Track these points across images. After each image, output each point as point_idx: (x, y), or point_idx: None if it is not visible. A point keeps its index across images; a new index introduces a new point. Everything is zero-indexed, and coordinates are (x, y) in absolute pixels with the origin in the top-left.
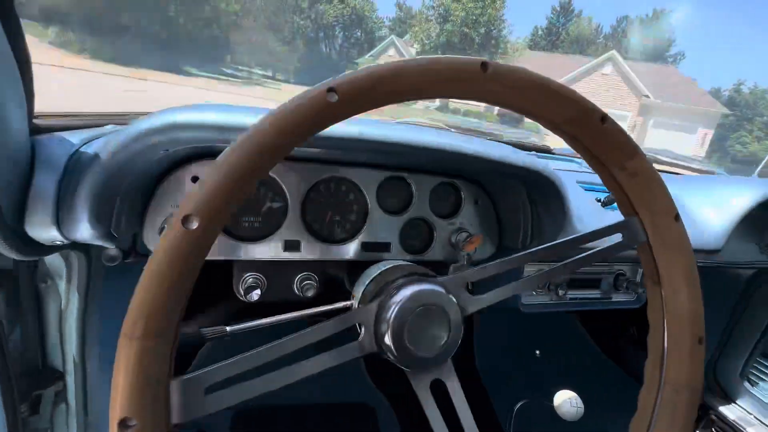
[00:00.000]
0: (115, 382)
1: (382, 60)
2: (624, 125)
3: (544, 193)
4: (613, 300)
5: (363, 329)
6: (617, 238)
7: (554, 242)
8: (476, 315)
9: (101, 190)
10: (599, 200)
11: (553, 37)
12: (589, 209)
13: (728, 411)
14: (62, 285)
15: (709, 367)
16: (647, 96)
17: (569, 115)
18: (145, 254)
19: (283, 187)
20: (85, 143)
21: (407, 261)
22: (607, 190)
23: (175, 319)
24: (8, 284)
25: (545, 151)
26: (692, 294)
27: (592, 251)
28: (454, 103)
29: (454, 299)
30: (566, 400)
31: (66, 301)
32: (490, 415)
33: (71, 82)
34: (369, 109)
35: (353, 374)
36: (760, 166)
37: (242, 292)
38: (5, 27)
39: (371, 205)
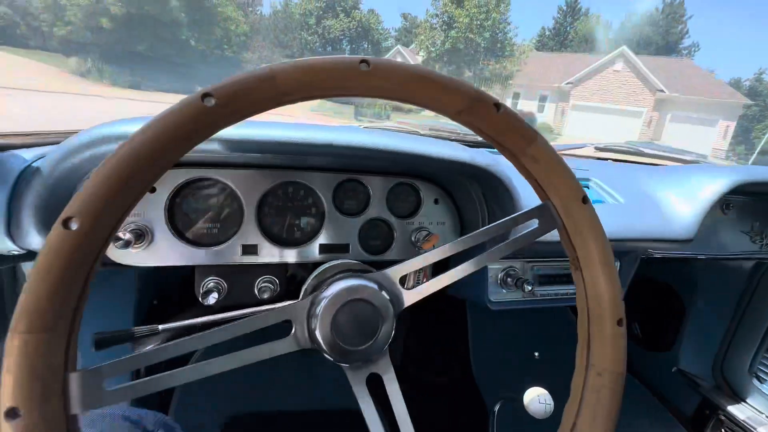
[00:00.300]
0: (3, 376)
1: None
2: (639, 122)
3: (493, 188)
4: None
5: (296, 324)
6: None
7: (474, 232)
8: (476, 314)
9: (44, 201)
10: None
11: (561, 36)
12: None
13: (738, 410)
14: None
15: (716, 364)
16: (662, 90)
17: (461, 105)
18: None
19: (238, 193)
20: (36, 159)
21: (366, 261)
22: None
23: (67, 315)
24: None
25: None
26: (608, 276)
27: (511, 239)
28: None
29: (386, 294)
30: (535, 398)
31: None
32: (481, 416)
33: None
34: (252, 114)
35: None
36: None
37: (201, 296)
38: None
39: (328, 207)
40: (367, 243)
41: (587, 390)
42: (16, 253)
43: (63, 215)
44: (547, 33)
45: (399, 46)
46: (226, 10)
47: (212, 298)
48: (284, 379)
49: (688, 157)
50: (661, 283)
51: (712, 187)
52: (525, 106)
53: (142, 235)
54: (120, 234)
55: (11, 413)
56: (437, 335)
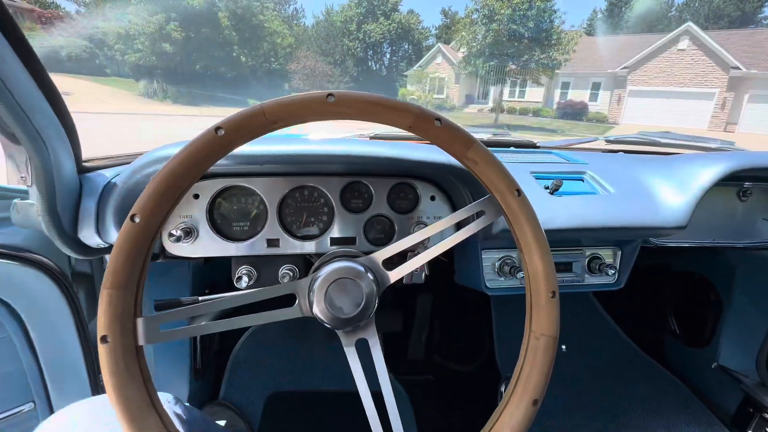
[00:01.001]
0: (99, 316)
1: (431, 69)
2: (711, 104)
3: (473, 183)
4: (587, 283)
5: (299, 297)
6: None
7: (436, 222)
8: (500, 306)
9: (120, 206)
10: (547, 188)
11: (615, 18)
12: (533, 196)
13: None
14: None
15: (760, 359)
16: (737, 68)
17: (410, 122)
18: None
19: (263, 197)
20: (114, 176)
21: (369, 251)
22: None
23: (135, 278)
24: (87, 284)
25: (528, 146)
26: (542, 255)
27: (467, 226)
28: (508, 103)
29: (371, 274)
30: None
31: None
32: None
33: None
34: (250, 140)
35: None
36: None
37: (235, 281)
38: (49, 98)
39: (336, 206)
40: (372, 236)
41: (528, 350)
42: (103, 246)
43: (130, 213)
44: (600, 15)
45: (440, 44)
46: (272, 25)
47: (243, 283)
48: (321, 363)
49: (711, 144)
50: (696, 276)
51: (705, 175)
52: (576, 95)
53: (190, 233)
54: (173, 231)
55: (104, 339)
56: (462, 326)
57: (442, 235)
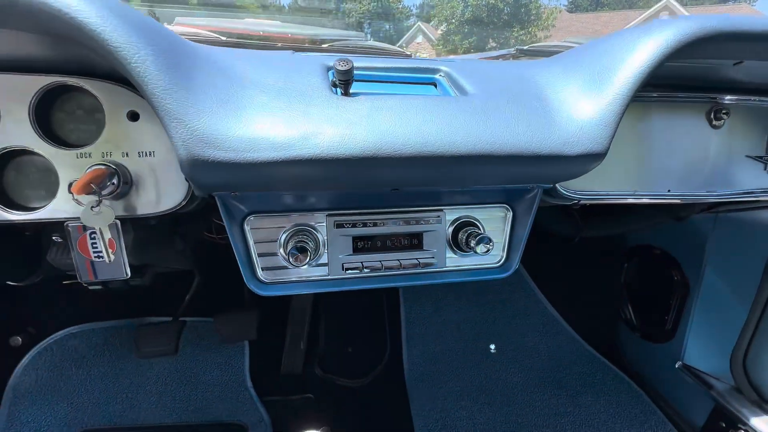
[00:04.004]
0: None
1: (412, 48)
2: None
3: None
4: (449, 268)
5: None
6: None
7: None
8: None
9: None
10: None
11: None
12: (296, 99)
13: (767, 426)
14: None
15: (735, 358)
16: None
17: None
18: None
19: None
20: None
21: None
22: None
23: None
24: None
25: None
26: None
27: None
28: None
29: None
30: None
31: None
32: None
33: None
34: None
35: None
36: None
37: None
38: None
39: None
40: None
41: None
42: None
43: None
44: None
45: (420, 23)
46: (244, 3)
47: None
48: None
49: None
50: (656, 251)
51: (639, 53)
52: None
53: None
54: None
55: None
56: (354, 329)
57: None
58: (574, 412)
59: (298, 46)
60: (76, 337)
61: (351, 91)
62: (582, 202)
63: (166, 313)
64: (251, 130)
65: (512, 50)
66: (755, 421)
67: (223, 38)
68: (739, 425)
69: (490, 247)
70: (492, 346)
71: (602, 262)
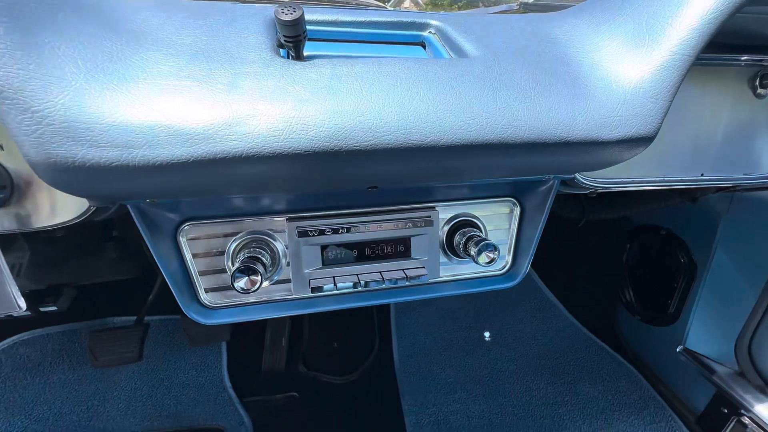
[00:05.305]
0: None
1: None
2: None
3: None
4: (443, 279)
5: None
6: None
7: None
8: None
9: None
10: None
11: None
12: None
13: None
14: None
15: (740, 343)
16: None
17: None
18: None
19: None
20: None
21: None
22: None
23: None
24: None
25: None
26: None
27: None
28: None
29: None
30: None
31: None
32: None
33: None
34: None
35: None
36: None
37: None
38: None
39: None
40: None
41: None
42: None
43: None
44: None
45: None
46: None
47: None
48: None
49: None
50: (663, 232)
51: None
52: None
53: None
54: None
55: None
56: (340, 322)
57: None
58: (572, 401)
59: None
60: (28, 345)
61: (304, 53)
62: (600, 191)
63: (130, 312)
64: (145, 112)
65: (514, 5)
66: (758, 407)
67: None
68: (742, 410)
69: (495, 257)
70: (486, 334)
71: (602, 243)
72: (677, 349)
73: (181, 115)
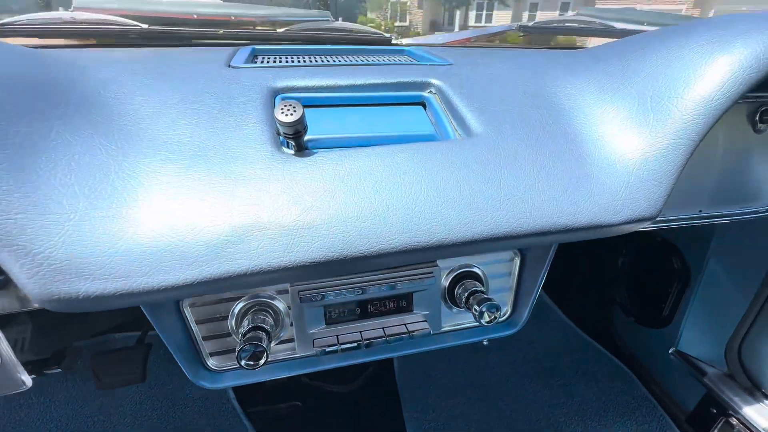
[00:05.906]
0: None
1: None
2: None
3: None
4: (447, 329)
5: None
6: None
7: None
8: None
9: None
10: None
11: None
12: (233, 164)
13: (757, 413)
14: None
15: (731, 346)
16: None
17: None
18: None
19: None
20: None
21: None
22: None
23: None
24: None
25: (378, 41)
26: None
27: None
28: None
29: None
30: None
31: None
32: None
33: None
34: None
35: None
36: None
37: None
38: None
39: None
40: None
41: None
42: None
43: None
44: None
45: None
46: None
47: None
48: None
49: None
50: (658, 238)
51: (723, 69)
52: (543, 17)
53: None
54: None
55: None
56: None
57: None
58: (567, 403)
59: (244, 32)
60: None
61: (306, 137)
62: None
63: (135, 328)
64: (146, 236)
65: (513, 26)
66: (746, 408)
67: (144, 26)
68: (730, 411)
69: (498, 316)
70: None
71: (598, 247)
72: (669, 351)
73: (183, 235)
